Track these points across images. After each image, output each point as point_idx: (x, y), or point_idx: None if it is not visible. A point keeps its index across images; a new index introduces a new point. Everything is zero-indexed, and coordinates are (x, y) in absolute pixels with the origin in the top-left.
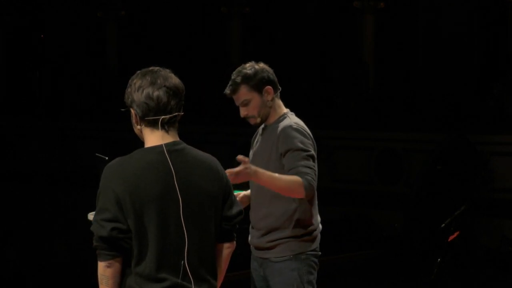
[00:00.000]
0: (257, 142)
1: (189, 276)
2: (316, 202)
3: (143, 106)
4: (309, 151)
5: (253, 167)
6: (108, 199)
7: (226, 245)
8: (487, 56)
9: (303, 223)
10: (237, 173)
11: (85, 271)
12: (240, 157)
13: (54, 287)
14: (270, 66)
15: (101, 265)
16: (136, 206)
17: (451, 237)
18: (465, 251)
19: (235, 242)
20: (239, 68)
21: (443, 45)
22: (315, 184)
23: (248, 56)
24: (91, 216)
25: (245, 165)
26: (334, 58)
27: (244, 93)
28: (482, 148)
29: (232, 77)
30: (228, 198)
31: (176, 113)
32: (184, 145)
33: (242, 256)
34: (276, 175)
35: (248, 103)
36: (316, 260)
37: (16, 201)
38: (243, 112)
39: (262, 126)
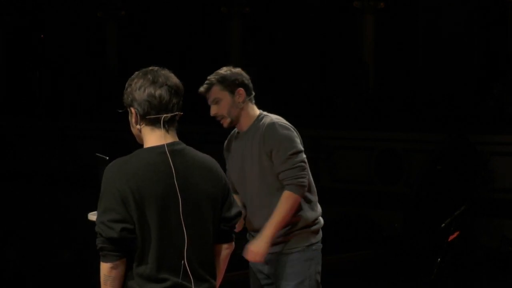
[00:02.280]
0: (236, 147)
1: (189, 276)
2: (313, 190)
3: (145, 104)
4: (293, 147)
5: (257, 244)
6: (114, 199)
7: (224, 246)
8: (487, 56)
9: (310, 209)
10: (249, 253)
11: (85, 271)
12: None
13: (54, 287)
14: (270, 66)
15: (107, 266)
16: (139, 206)
17: (451, 237)
18: (465, 251)
19: (233, 243)
20: (217, 71)
21: (443, 45)
22: (304, 180)
23: (248, 56)
24: (91, 216)
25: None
26: (334, 58)
27: (216, 91)
28: (482, 148)
29: (208, 77)
30: (226, 199)
31: (177, 112)
32: (183, 145)
33: (241, 256)
34: (274, 218)
35: (219, 101)
36: (320, 249)
37: (16, 201)
38: (213, 110)
39: (236, 131)
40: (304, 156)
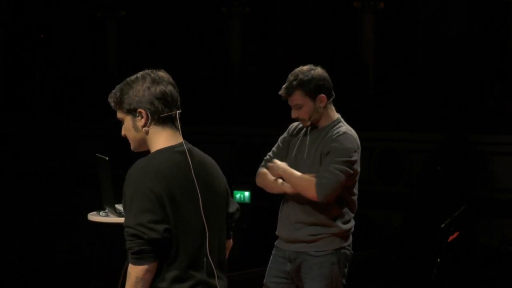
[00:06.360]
0: (303, 141)
1: (212, 273)
2: (355, 208)
3: (158, 102)
4: (345, 157)
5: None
6: (149, 200)
7: (229, 242)
8: (487, 56)
9: (346, 222)
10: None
11: (85, 271)
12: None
13: (54, 287)
14: (270, 66)
15: (142, 269)
16: (172, 206)
17: (451, 237)
18: (465, 251)
19: (231, 240)
20: (297, 71)
21: (443, 45)
22: (330, 189)
23: (248, 56)
24: (91, 216)
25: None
26: (334, 58)
27: (298, 97)
28: (482, 148)
29: (289, 79)
30: (228, 196)
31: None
32: (190, 145)
33: (240, 256)
34: (294, 172)
35: (301, 107)
36: (350, 253)
37: (16, 201)
38: (294, 114)
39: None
40: (349, 173)
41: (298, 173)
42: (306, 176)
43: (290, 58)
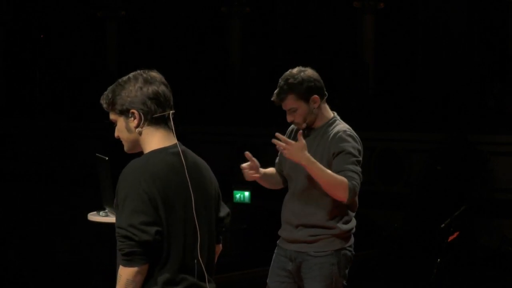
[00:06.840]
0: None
1: (203, 276)
2: (356, 207)
3: (151, 102)
4: (358, 156)
5: (308, 154)
6: (142, 202)
7: (218, 247)
8: (487, 56)
9: (347, 222)
10: (292, 145)
11: (85, 271)
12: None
13: (54, 287)
14: (270, 66)
15: (132, 271)
16: (166, 208)
17: (451, 238)
18: (465, 251)
19: (221, 245)
20: (287, 75)
21: (443, 45)
22: (358, 190)
23: (248, 56)
24: (91, 216)
25: (301, 142)
26: (334, 58)
27: (291, 102)
28: (482, 148)
29: (280, 84)
30: (219, 199)
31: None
32: (184, 146)
33: (241, 257)
34: (326, 169)
35: (295, 110)
36: (351, 254)
37: (16, 201)
38: (289, 118)
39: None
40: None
41: (329, 170)
42: (338, 175)
43: (290, 58)
